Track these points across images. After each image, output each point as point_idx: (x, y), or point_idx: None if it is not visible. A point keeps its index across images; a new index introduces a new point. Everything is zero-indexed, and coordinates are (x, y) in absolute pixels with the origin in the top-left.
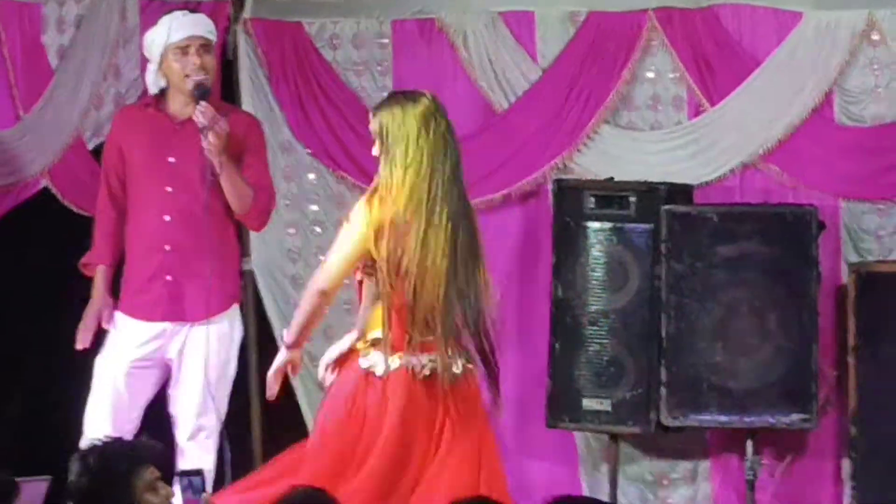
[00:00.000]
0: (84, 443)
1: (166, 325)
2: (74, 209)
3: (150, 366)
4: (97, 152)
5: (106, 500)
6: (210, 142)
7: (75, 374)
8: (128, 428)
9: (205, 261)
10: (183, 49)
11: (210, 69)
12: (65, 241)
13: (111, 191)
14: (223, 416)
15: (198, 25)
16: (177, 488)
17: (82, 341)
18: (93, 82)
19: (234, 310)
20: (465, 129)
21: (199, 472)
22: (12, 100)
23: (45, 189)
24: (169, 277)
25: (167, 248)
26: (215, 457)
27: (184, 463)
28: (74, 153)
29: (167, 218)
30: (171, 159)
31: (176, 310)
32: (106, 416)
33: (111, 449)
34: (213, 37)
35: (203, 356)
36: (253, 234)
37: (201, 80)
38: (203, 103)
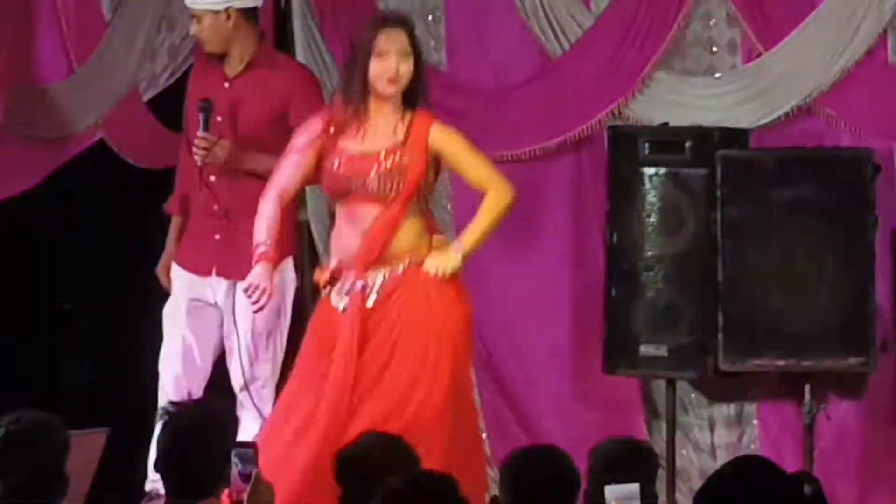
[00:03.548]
0: (165, 405)
1: (213, 278)
2: (130, 161)
3: (204, 305)
4: (151, 104)
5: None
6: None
7: (136, 327)
8: (199, 368)
9: (251, 220)
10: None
11: (205, 40)
12: (122, 193)
13: (188, 142)
14: (279, 366)
15: None
16: None
17: (164, 284)
18: (147, 34)
19: (286, 262)
20: (519, 76)
21: (251, 445)
22: (66, 52)
23: (100, 142)
24: (217, 237)
25: (215, 207)
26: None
27: (240, 412)
28: (129, 106)
29: (212, 178)
30: (219, 118)
31: (224, 267)
32: (176, 358)
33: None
34: (199, 5)
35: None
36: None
37: (203, 100)
38: (200, 134)
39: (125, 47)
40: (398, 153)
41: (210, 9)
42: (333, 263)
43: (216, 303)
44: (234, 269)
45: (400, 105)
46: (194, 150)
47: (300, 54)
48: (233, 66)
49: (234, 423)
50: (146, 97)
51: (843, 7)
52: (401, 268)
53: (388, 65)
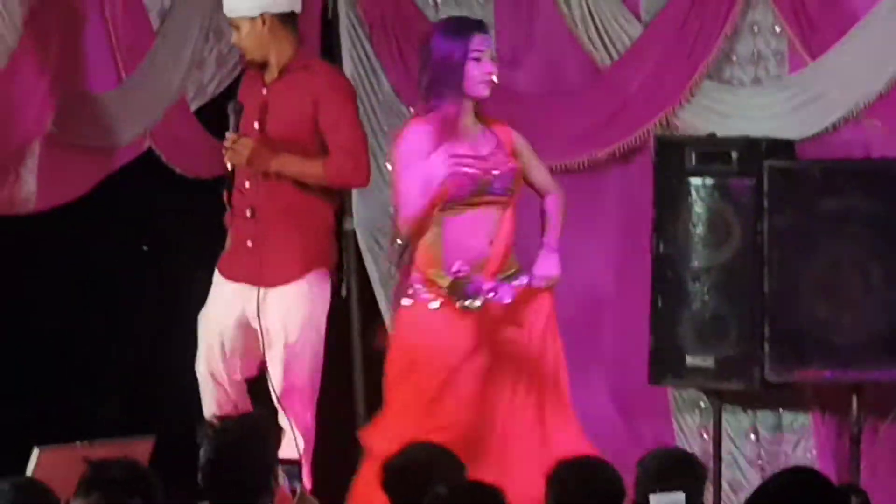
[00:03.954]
0: (208, 419)
1: (245, 285)
2: (178, 171)
3: (231, 313)
4: (199, 113)
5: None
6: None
7: (178, 335)
8: (221, 375)
9: (282, 227)
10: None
11: (244, 48)
12: (166, 203)
13: None
14: (317, 377)
15: (225, 1)
16: None
17: None
18: (195, 43)
19: (319, 273)
20: (568, 86)
21: (296, 462)
22: (114, 61)
23: (148, 151)
24: (249, 243)
25: (248, 213)
26: (313, 414)
27: (280, 420)
28: (177, 114)
29: (247, 184)
30: (256, 125)
31: (254, 274)
32: (202, 365)
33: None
34: (236, 13)
35: (282, 317)
36: (355, 194)
37: (233, 102)
38: (228, 136)
39: (173, 57)
40: (504, 154)
41: (246, 16)
42: (452, 268)
43: (245, 311)
44: (262, 275)
45: (472, 108)
46: (223, 150)
47: (347, 63)
48: (271, 73)
49: (276, 435)
50: (194, 106)
51: (891, 16)
52: (519, 277)
53: (486, 67)
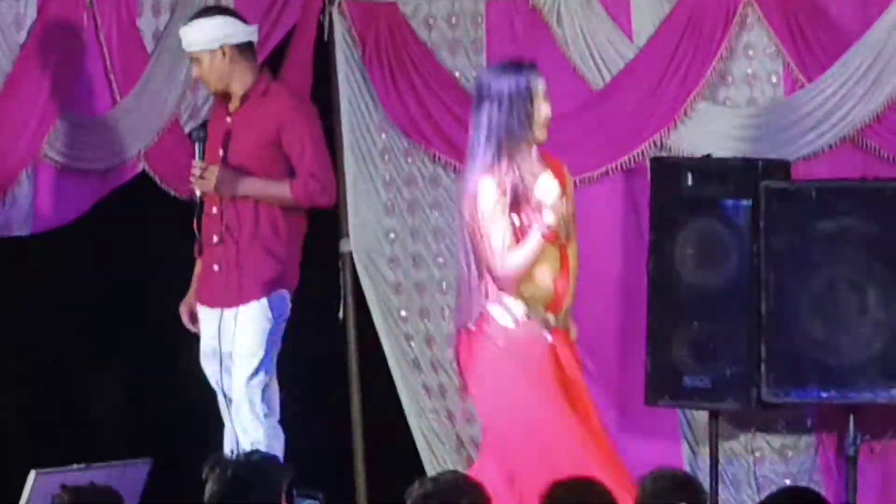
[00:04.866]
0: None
1: (218, 310)
2: (172, 193)
3: (216, 345)
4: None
5: None
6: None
7: (171, 357)
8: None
9: (247, 251)
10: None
11: (206, 80)
12: (161, 225)
13: None
14: (275, 393)
15: (184, 37)
16: None
17: (185, 322)
18: (188, 66)
19: (278, 293)
20: (561, 108)
21: (317, 497)
22: (109, 84)
23: (143, 173)
24: (216, 267)
25: (215, 238)
26: (281, 439)
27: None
28: (171, 137)
29: (214, 210)
30: (221, 152)
31: (221, 297)
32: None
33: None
34: (196, 47)
35: (239, 334)
36: (351, 216)
37: (194, 128)
38: (194, 163)
39: (167, 79)
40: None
41: (206, 48)
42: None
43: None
44: (229, 298)
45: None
46: (191, 179)
47: (342, 85)
48: (234, 102)
49: (281, 473)
50: (188, 128)
51: (886, 38)
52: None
53: (548, 111)
